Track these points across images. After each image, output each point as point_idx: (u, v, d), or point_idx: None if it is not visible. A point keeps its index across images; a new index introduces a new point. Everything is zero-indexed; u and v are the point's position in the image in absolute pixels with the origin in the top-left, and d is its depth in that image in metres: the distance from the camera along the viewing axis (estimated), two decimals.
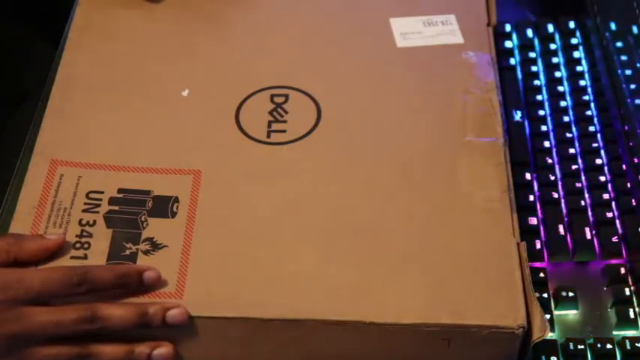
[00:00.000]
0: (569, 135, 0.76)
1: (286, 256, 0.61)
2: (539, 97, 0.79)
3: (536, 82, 0.80)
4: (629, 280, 0.67)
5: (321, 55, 0.75)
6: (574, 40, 0.83)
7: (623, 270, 0.67)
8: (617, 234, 0.69)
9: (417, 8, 0.79)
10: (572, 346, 0.63)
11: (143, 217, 0.63)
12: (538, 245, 0.69)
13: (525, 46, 0.82)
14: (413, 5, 0.79)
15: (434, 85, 0.73)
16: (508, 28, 0.83)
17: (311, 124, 0.69)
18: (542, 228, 0.70)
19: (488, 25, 0.77)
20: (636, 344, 0.63)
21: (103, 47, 0.75)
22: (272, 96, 0.71)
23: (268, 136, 0.69)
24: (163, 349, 0.59)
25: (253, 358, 0.62)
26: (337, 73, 0.73)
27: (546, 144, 0.75)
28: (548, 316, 0.65)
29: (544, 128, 0.76)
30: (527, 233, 0.69)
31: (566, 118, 0.77)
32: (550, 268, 0.69)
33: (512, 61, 0.81)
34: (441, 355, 0.60)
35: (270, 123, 0.69)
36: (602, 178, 0.73)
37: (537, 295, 0.63)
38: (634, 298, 0.66)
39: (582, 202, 0.71)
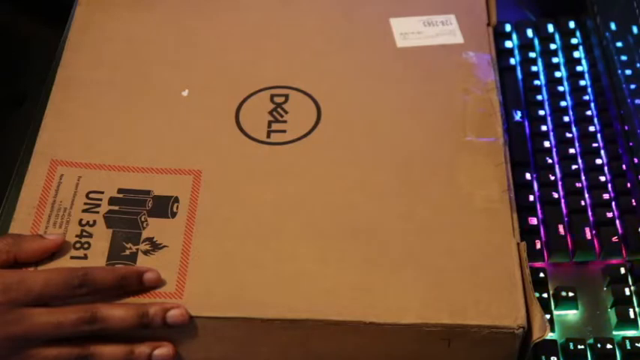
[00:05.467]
0: (569, 135, 0.76)
1: (286, 256, 0.61)
2: (539, 97, 0.79)
3: (536, 82, 0.80)
4: (629, 280, 0.67)
5: (321, 55, 0.75)
6: (574, 40, 0.83)
7: (623, 270, 0.67)
8: (617, 234, 0.69)
9: (417, 8, 0.79)
10: (572, 346, 0.63)
11: (143, 217, 0.63)
12: (538, 245, 0.69)
13: (525, 46, 0.82)
14: (413, 5, 0.79)
15: (434, 85, 0.73)
16: (508, 28, 0.83)
17: (311, 124, 0.69)
18: (542, 228, 0.70)
19: (489, 25, 0.77)
20: (636, 344, 0.63)
21: (103, 47, 0.75)
22: (272, 96, 0.71)
23: (268, 136, 0.69)
24: (164, 349, 0.59)
25: (253, 358, 0.62)
26: (337, 73, 0.73)
27: (546, 144, 0.75)
28: (548, 316, 0.65)
29: (544, 128, 0.76)
30: (527, 233, 0.69)
31: (566, 118, 0.77)
32: (550, 268, 0.69)
33: (512, 61, 0.81)
34: (441, 355, 0.60)
35: (270, 123, 0.69)
36: (602, 178, 0.73)
37: (537, 295, 0.63)
38: (634, 298, 0.66)
39: (582, 202, 0.71)
